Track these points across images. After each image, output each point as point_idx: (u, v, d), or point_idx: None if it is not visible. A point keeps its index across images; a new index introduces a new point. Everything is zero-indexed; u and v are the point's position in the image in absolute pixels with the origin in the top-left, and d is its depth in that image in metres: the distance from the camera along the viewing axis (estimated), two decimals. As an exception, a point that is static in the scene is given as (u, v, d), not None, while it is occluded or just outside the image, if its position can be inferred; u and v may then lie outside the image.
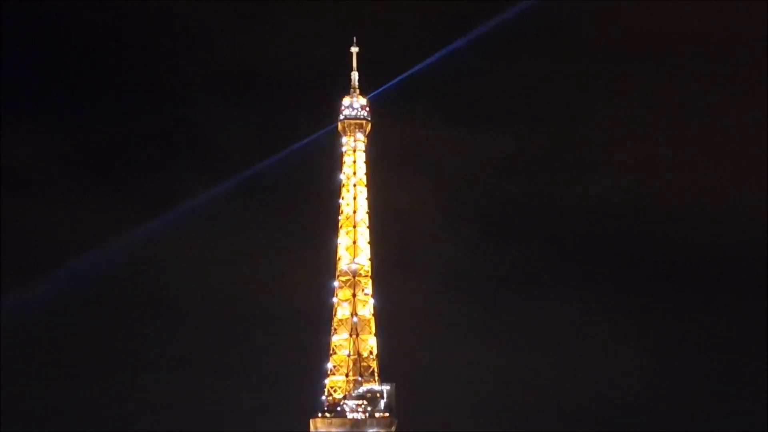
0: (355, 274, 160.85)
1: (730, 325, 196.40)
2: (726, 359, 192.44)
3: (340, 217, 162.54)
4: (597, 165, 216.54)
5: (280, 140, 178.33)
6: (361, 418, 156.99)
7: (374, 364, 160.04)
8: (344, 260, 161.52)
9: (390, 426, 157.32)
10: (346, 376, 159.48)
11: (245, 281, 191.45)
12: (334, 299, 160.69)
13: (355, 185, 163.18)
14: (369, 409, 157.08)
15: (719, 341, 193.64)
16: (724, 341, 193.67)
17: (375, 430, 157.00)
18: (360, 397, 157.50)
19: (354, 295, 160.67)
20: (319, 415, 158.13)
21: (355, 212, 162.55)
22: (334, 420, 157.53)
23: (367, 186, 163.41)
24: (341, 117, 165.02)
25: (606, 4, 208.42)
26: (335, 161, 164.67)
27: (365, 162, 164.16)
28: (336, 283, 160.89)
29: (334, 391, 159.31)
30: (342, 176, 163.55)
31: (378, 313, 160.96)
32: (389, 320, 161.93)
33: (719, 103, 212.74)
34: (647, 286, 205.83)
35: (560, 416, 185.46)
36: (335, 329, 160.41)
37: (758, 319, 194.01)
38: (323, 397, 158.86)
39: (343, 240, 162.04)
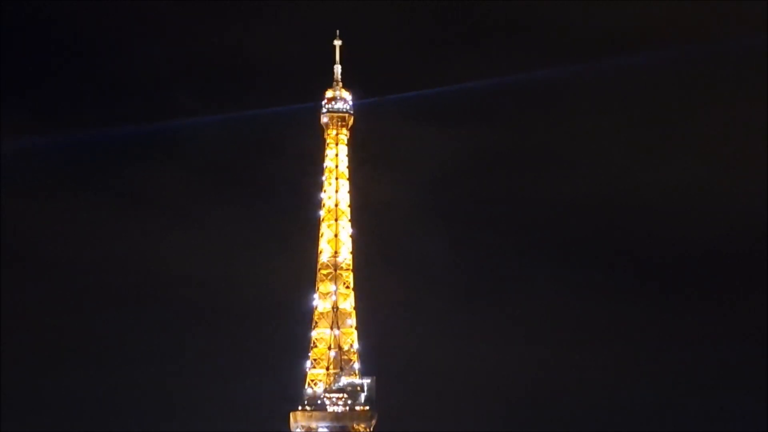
0: (336, 267, 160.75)
1: (704, 321, 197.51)
2: (701, 356, 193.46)
3: (321, 210, 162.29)
4: (573, 160, 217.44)
5: (263, 134, 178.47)
6: (342, 412, 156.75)
7: (355, 358, 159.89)
8: (326, 253, 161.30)
9: (370, 419, 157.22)
10: (327, 369, 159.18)
11: (225, 275, 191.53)
12: (315, 292, 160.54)
13: (337, 178, 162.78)
14: (349, 402, 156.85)
15: (692, 338, 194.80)
16: (698, 338, 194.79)
17: (355, 423, 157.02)
18: (340, 390, 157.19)
19: (335, 289, 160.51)
20: (300, 408, 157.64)
21: (336, 205, 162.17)
22: (314, 413, 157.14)
23: (349, 179, 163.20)
24: (324, 110, 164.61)
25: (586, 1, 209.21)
26: (317, 154, 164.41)
27: (347, 155, 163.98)
28: (317, 277, 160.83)
29: (315, 384, 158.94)
30: (324, 169, 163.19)
31: (359, 307, 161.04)
32: (370, 314, 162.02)
33: (700, 99, 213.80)
34: (621, 282, 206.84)
35: (539, 410, 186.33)
36: (316, 322, 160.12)
37: (736, 316, 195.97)
38: (304, 391, 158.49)
39: (324, 233, 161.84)
